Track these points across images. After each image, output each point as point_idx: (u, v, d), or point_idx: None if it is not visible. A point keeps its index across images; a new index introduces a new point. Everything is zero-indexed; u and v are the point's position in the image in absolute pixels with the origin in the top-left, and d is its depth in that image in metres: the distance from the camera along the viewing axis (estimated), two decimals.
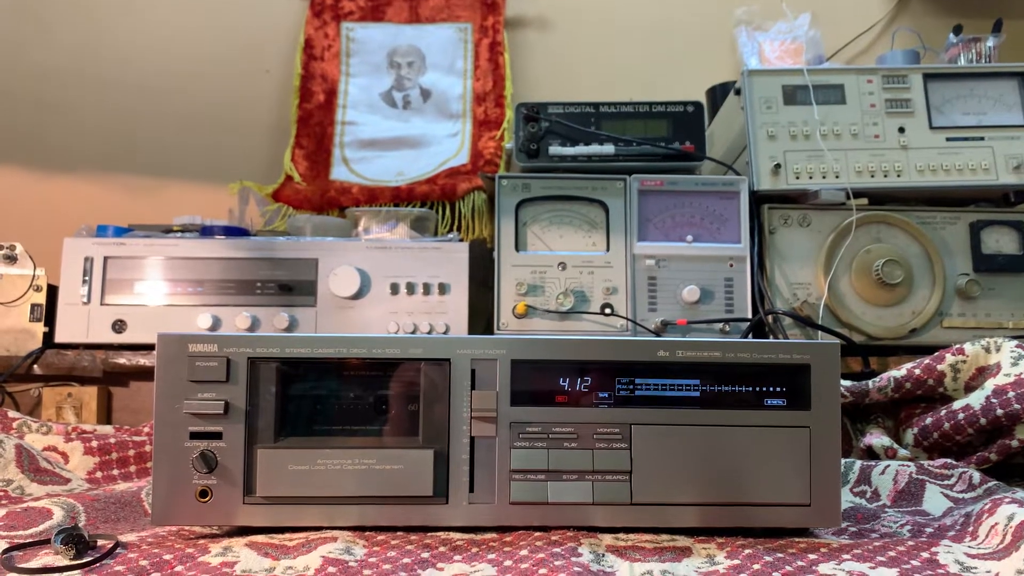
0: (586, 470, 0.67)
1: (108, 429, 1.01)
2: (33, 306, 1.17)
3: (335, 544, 0.62)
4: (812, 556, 0.63)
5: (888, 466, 0.89)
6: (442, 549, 0.63)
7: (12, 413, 1.00)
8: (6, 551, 0.61)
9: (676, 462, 0.68)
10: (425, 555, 0.62)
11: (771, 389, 0.69)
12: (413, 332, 1.16)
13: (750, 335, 1.18)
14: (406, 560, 0.60)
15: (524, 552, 0.62)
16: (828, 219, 1.21)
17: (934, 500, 0.84)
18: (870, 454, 0.99)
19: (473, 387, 0.67)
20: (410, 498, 0.66)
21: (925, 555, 0.63)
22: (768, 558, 0.62)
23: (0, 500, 0.83)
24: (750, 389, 0.69)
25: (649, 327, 1.16)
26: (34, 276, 1.18)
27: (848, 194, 1.19)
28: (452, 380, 0.67)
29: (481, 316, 1.24)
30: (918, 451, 0.98)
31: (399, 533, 0.67)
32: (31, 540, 0.64)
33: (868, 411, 1.05)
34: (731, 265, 1.19)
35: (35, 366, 1.16)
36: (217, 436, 0.66)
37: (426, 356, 0.67)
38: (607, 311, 1.16)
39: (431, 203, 1.33)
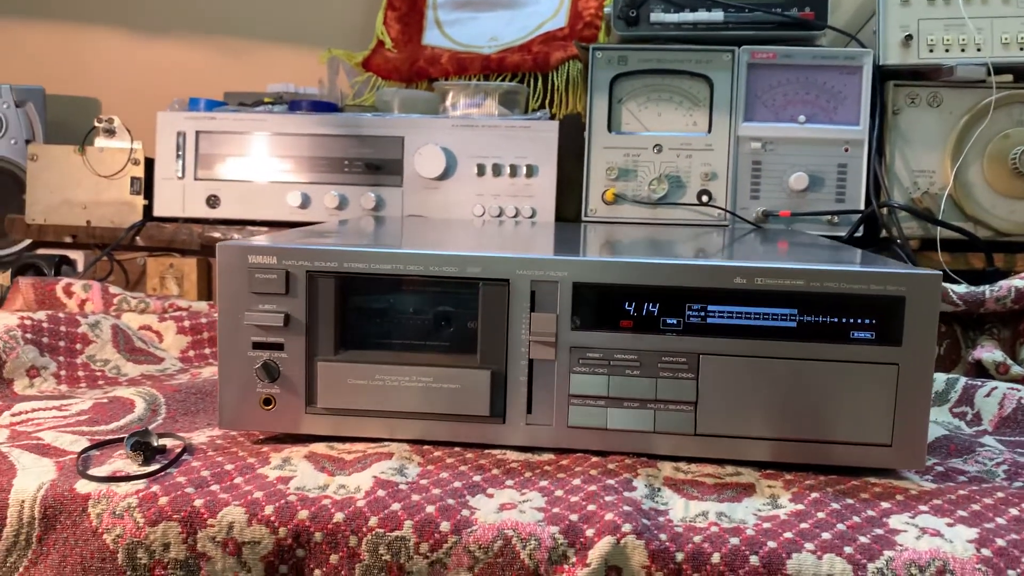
0: (648, 399, 0.64)
1: (202, 306, 1.05)
2: (133, 179, 1.20)
3: (389, 462, 0.63)
4: (885, 505, 0.59)
5: (995, 388, 0.82)
6: (495, 472, 0.63)
7: (113, 289, 1.05)
8: (85, 450, 0.64)
9: (746, 395, 0.64)
10: (477, 478, 0.61)
11: (859, 321, 0.63)
12: (499, 216, 1.13)
13: (861, 229, 1.09)
14: (457, 484, 0.60)
15: (577, 482, 0.61)
16: (963, 98, 1.08)
17: None
18: (979, 369, 0.92)
19: (533, 309, 0.65)
20: (467, 416, 0.65)
21: (1015, 512, 0.58)
22: (835, 505, 0.59)
23: (98, 380, 0.88)
24: (835, 321, 0.63)
25: (749, 218, 1.09)
26: (131, 150, 1.20)
27: (989, 69, 1.05)
28: (511, 302, 0.64)
29: (578, 192, 1.19)
30: None
31: (456, 449, 0.66)
32: (110, 437, 0.68)
33: (982, 320, 0.96)
34: (846, 150, 1.09)
35: (137, 238, 1.20)
36: (279, 347, 0.66)
37: (484, 276, 0.64)
38: (704, 199, 1.09)
39: (523, 75, 1.26)
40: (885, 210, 1.07)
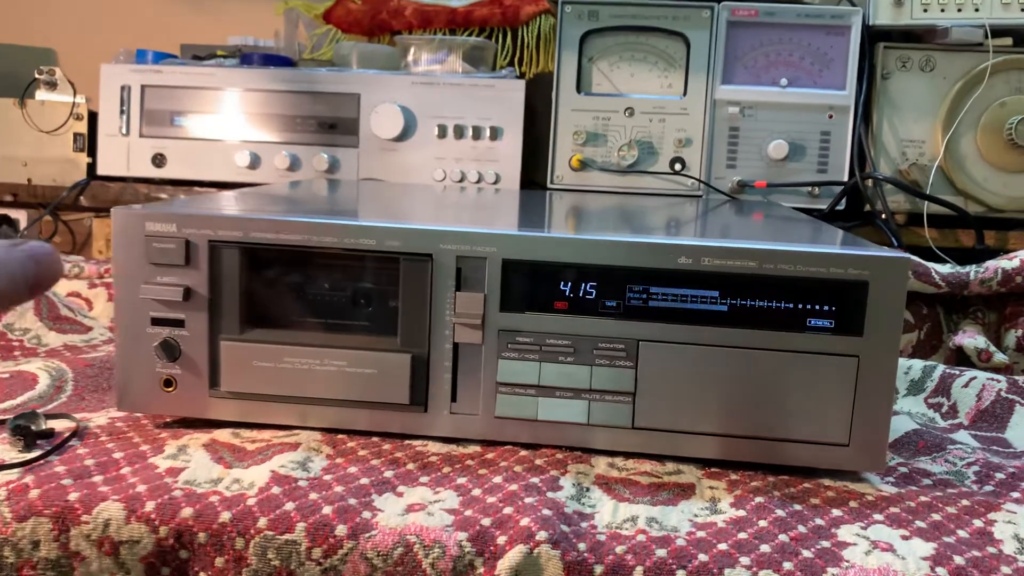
0: (582, 388, 0.58)
1: None
2: (76, 135, 1.13)
3: (293, 454, 0.57)
4: (835, 513, 0.53)
5: (974, 378, 0.76)
6: (410, 467, 0.57)
7: None
8: None
9: (690, 386, 0.58)
10: (388, 474, 0.56)
11: (816, 308, 0.57)
12: (461, 181, 1.06)
13: (843, 202, 1.02)
14: (364, 481, 0.54)
15: (498, 479, 0.55)
16: (958, 63, 1.00)
17: (1022, 427, 0.71)
18: (960, 356, 0.85)
19: (458, 288, 0.58)
20: (385, 404, 0.60)
21: (979, 523, 0.53)
22: (781, 512, 0.53)
23: (14, 351, 0.82)
24: (790, 307, 0.57)
25: (724, 188, 1.02)
26: (74, 104, 1.13)
27: (987, 32, 0.97)
28: (435, 279, 0.58)
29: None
30: (1020, 357, 0.84)
31: (374, 440, 0.61)
32: (1, 417, 0.62)
33: (967, 302, 0.90)
34: (830, 116, 1.02)
35: (81, 198, 1.13)
36: (179, 324, 0.60)
37: (405, 250, 0.58)
38: (676, 167, 1.02)
39: (491, 30, 1.18)
40: (870, 182, 1.00)
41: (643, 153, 1.03)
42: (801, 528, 0.52)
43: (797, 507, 0.54)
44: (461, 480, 0.55)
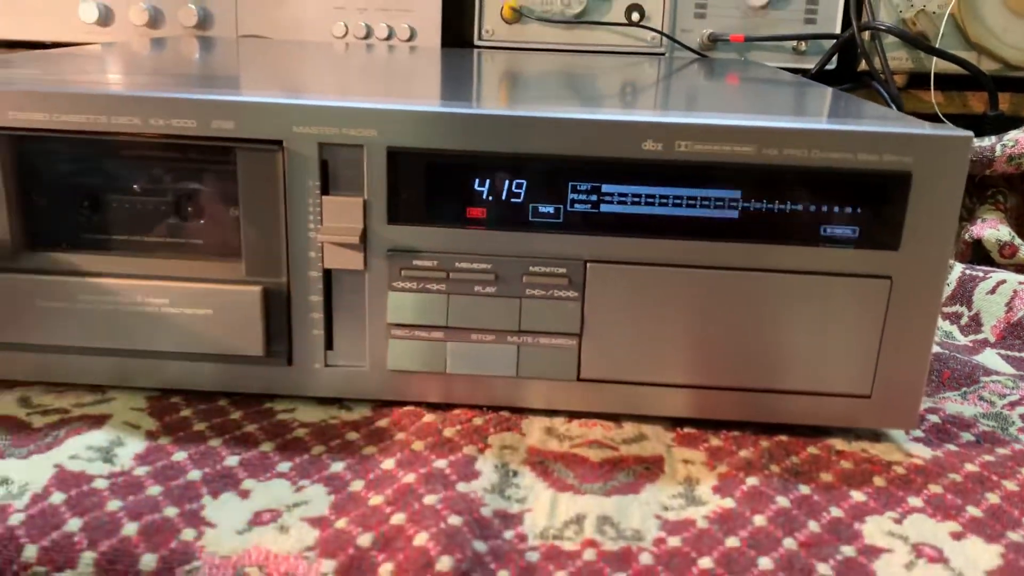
0: (509, 329, 0.42)
1: None
2: None
3: (98, 433, 0.40)
4: (856, 496, 0.39)
5: (1002, 282, 0.61)
6: (265, 447, 0.40)
7: None
8: None
9: (657, 322, 0.41)
10: (232, 460, 0.39)
11: (836, 210, 0.40)
12: (367, 37, 0.85)
13: (834, 60, 0.84)
14: (193, 475, 0.38)
15: (389, 464, 0.39)
16: None
17: None
18: (977, 251, 0.70)
19: (325, 190, 0.40)
20: (230, 357, 0.42)
21: None
22: (783, 500, 0.38)
23: None
24: (799, 209, 0.40)
25: (692, 43, 0.83)
26: None
27: None
28: (289, 178, 0.40)
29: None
30: None
31: (220, 405, 0.44)
32: None
33: (985, 183, 0.74)
34: None
35: None
36: None
37: (241, 135, 0.39)
38: (634, 17, 0.83)
39: None
40: (867, 34, 0.82)
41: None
42: (813, 526, 0.37)
43: (804, 489, 0.39)
44: (337, 467, 0.39)
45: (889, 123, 0.40)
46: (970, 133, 0.39)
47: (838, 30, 0.83)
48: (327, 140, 0.39)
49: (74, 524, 0.35)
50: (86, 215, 0.42)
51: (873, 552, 0.35)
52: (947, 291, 0.64)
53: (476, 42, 0.85)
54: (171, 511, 0.36)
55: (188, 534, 0.34)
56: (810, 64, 0.84)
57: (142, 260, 0.42)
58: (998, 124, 0.80)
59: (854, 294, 0.41)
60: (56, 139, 0.40)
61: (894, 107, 0.81)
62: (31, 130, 0.40)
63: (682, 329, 0.42)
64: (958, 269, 0.64)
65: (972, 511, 0.38)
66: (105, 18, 0.85)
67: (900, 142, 0.39)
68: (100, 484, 0.37)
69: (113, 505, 0.36)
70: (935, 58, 0.81)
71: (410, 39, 0.85)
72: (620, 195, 0.40)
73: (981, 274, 0.63)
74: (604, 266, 0.41)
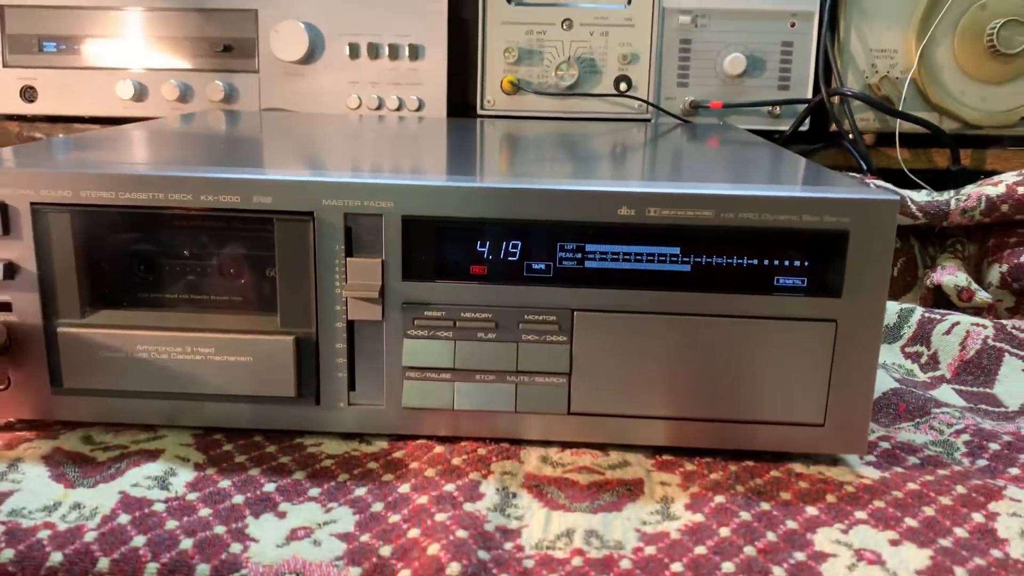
0: (507, 369, 0.48)
1: None
2: None
3: (153, 466, 0.46)
4: (810, 511, 0.45)
5: (956, 324, 0.68)
6: (298, 476, 0.47)
7: None
8: None
9: (636, 363, 0.48)
10: (269, 487, 0.45)
11: (786, 264, 0.46)
12: (379, 108, 0.93)
13: (807, 122, 0.92)
14: (237, 499, 0.44)
15: (405, 488, 0.45)
16: None
17: (1012, 380, 0.63)
18: (938, 295, 0.77)
19: (349, 253, 0.47)
20: (267, 399, 0.49)
21: (978, 518, 0.44)
22: (746, 515, 0.44)
23: None
24: (754, 264, 0.47)
25: (674, 110, 0.91)
26: None
27: None
28: (319, 243, 0.47)
29: None
30: (1004, 294, 0.76)
31: (257, 440, 0.50)
32: None
33: (945, 234, 0.81)
34: (792, 25, 0.90)
35: None
36: (5, 307, 0.48)
37: (278, 208, 0.46)
38: (622, 87, 0.90)
39: None
40: (836, 99, 0.89)
41: (584, 72, 0.91)
42: (771, 536, 0.43)
43: (765, 506, 0.45)
44: (360, 491, 0.45)
45: (828, 189, 0.47)
46: (898, 197, 0.46)
47: (809, 95, 0.91)
48: (351, 211, 0.46)
49: (139, 540, 0.41)
50: (143, 277, 0.49)
51: (821, 557, 0.41)
52: (908, 333, 0.70)
53: (479, 111, 0.93)
54: (220, 529, 0.42)
55: (235, 548, 0.41)
56: (785, 126, 0.92)
57: (191, 315, 0.48)
58: (960, 178, 0.86)
59: (805, 335, 0.47)
60: (117, 213, 0.47)
61: (864, 164, 0.88)
62: (99, 206, 0.47)
63: (659, 368, 0.48)
64: (919, 312, 0.71)
65: (909, 522, 0.44)
66: (140, 94, 0.93)
67: (838, 205, 0.45)
68: (159, 507, 0.43)
69: (171, 524, 0.42)
70: (900, 119, 0.88)
71: (418, 109, 0.93)
72: (601, 253, 0.47)
73: (939, 316, 0.69)
74: (589, 314, 0.47)
